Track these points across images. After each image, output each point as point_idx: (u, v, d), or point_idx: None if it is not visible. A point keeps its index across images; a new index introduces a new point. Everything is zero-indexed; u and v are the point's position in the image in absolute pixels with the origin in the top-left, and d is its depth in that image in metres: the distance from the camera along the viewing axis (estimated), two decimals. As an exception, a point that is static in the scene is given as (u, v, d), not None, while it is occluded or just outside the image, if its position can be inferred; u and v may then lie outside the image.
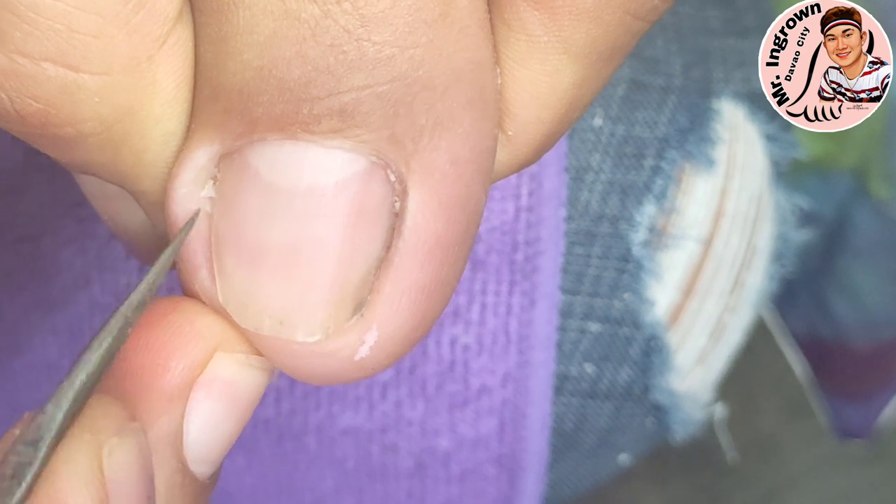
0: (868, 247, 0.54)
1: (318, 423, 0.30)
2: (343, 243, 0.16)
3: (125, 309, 0.16)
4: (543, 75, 0.17)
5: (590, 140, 0.31)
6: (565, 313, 0.31)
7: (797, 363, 0.61)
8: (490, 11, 0.17)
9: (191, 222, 0.16)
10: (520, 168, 0.18)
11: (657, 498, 0.75)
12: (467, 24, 0.16)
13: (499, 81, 0.17)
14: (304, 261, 0.16)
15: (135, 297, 0.16)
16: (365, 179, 0.16)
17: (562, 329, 0.31)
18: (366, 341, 0.16)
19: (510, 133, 0.17)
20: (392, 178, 0.16)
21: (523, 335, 0.29)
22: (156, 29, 0.15)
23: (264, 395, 0.30)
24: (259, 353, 0.17)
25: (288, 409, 0.30)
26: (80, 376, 0.16)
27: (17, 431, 0.15)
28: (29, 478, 0.15)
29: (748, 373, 0.53)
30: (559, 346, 0.31)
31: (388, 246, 0.16)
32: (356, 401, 0.30)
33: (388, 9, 0.15)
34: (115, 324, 0.16)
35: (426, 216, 0.16)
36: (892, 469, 0.75)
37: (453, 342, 0.29)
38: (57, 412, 0.15)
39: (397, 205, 0.16)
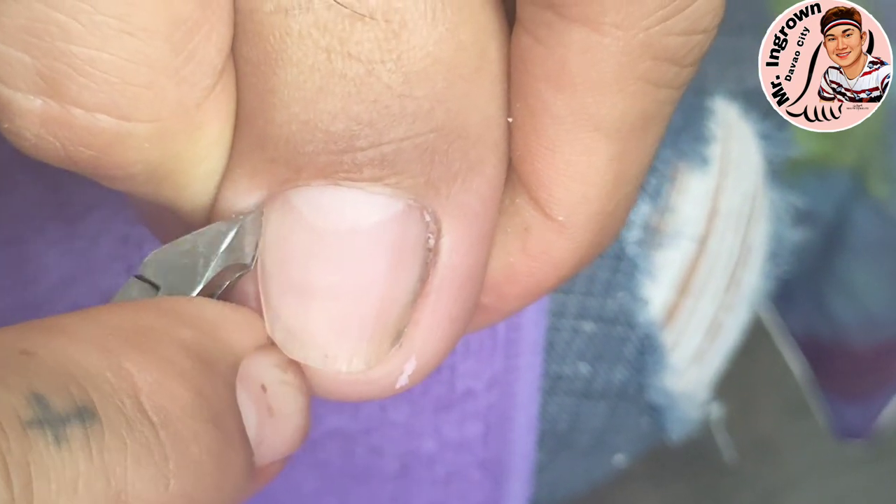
0: (867, 246, 0.54)
1: (304, 425, 0.30)
2: (384, 280, 0.17)
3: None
4: (577, 155, 0.17)
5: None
6: (558, 313, 0.31)
7: (796, 363, 0.61)
8: (512, 103, 0.17)
9: (250, 218, 0.17)
10: (583, 259, 0.18)
11: (656, 499, 0.75)
12: (496, 74, 0.17)
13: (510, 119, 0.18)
14: (348, 297, 0.17)
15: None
16: (403, 220, 0.17)
17: (555, 329, 0.31)
18: (405, 370, 0.17)
19: (561, 218, 0.18)
20: (427, 217, 0.17)
21: (510, 339, 0.29)
22: (204, 79, 0.16)
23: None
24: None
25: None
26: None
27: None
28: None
29: (747, 373, 0.53)
30: (553, 345, 0.31)
31: (423, 279, 0.17)
32: (341, 402, 0.30)
33: (429, 66, 0.16)
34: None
35: (460, 253, 0.17)
36: (892, 469, 0.75)
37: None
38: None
39: (430, 240, 0.17)
